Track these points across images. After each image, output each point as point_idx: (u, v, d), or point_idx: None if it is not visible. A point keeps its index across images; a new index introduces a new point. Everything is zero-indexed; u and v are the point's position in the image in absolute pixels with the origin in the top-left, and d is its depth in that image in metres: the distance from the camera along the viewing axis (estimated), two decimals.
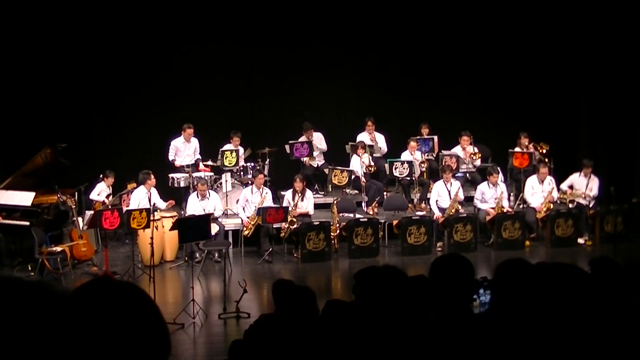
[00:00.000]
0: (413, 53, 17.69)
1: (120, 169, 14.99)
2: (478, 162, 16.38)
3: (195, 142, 15.76)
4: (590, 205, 15.25)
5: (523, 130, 16.47)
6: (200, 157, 15.77)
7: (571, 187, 15.52)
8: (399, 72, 17.74)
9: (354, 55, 17.53)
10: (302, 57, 17.37)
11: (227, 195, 15.26)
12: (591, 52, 17.17)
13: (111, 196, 14.56)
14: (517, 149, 16.21)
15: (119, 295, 2.00)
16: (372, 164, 15.74)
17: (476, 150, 16.30)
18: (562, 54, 17.59)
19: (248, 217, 14.28)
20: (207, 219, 12.04)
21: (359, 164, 15.68)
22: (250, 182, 15.24)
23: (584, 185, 15.30)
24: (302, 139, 16.26)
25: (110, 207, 13.66)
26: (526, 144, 16.28)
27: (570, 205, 15.18)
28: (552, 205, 15.04)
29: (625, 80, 16.62)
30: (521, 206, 15.60)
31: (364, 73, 17.73)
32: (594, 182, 15.31)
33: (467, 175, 16.25)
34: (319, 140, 16.48)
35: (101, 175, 14.67)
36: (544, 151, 16.18)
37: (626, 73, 16.55)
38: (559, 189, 15.41)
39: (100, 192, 14.59)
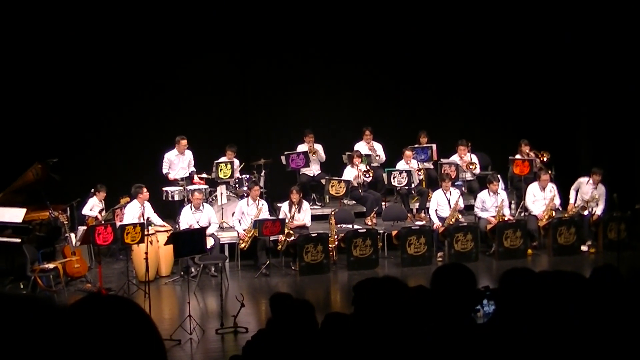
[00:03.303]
0: (410, 60, 17.71)
1: (113, 183, 14.97)
2: (477, 171, 16.38)
3: (189, 154, 15.77)
4: (593, 212, 15.23)
5: (523, 137, 16.47)
6: (194, 169, 15.77)
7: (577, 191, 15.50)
8: (396, 80, 17.76)
9: (349, 65, 17.54)
10: (297, 67, 17.38)
11: (222, 208, 15.24)
12: (592, 57, 17.19)
13: (104, 211, 14.54)
14: (517, 156, 16.21)
15: (114, 310, 2.00)
16: (369, 168, 15.72)
17: (474, 160, 16.31)
18: (562, 59, 17.62)
19: (244, 230, 14.26)
20: (203, 232, 12.03)
21: (352, 174, 15.66)
22: (245, 194, 15.22)
23: (589, 193, 15.26)
24: (302, 146, 16.27)
25: (103, 222, 13.65)
26: (527, 151, 16.28)
27: (586, 213, 15.14)
28: (554, 213, 15.05)
29: (627, 86, 16.63)
30: (522, 214, 15.60)
31: (361, 82, 17.73)
32: (602, 192, 15.27)
33: (466, 183, 16.24)
34: (318, 149, 16.46)
35: (93, 190, 14.65)
36: (545, 159, 16.18)
37: (628, 78, 16.56)
38: (569, 200, 15.38)
39: (93, 207, 14.57)
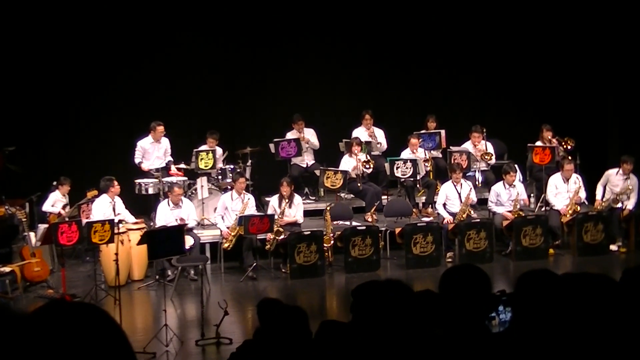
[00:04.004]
0: (416, 35, 17.72)
1: (78, 176, 14.96)
2: (492, 161, 16.40)
3: (165, 142, 15.77)
4: (624, 206, 15.25)
5: (544, 122, 16.47)
6: (171, 159, 15.78)
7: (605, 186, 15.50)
8: (399, 56, 17.81)
9: (345, 44, 17.59)
10: (286, 48, 17.44)
11: (203, 203, 15.25)
12: (622, 33, 17.18)
13: (68, 207, 14.52)
14: (537, 143, 16.21)
15: (79, 319, 1.99)
16: (369, 158, 15.73)
17: (490, 149, 16.33)
18: (588, 35, 17.60)
19: (228, 228, 14.26)
20: (181, 230, 12.01)
21: (350, 164, 15.68)
22: (229, 187, 15.23)
23: (620, 184, 15.27)
24: (291, 133, 16.32)
25: (67, 219, 13.60)
26: (549, 137, 16.27)
27: (618, 207, 15.13)
28: (579, 208, 15.06)
29: None
30: (543, 209, 15.63)
31: (360, 60, 17.79)
32: (634, 184, 15.27)
33: (480, 174, 16.25)
34: (310, 136, 16.49)
35: (55, 183, 14.63)
36: (569, 147, 16.17)
37: None
38: (596, 196, 15.39)
39: (55, 202, 14.55)
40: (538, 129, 16.46)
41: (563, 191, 15.23)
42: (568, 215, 15.03)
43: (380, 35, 17.70)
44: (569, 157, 15.76)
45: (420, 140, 16.20)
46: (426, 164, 16.03)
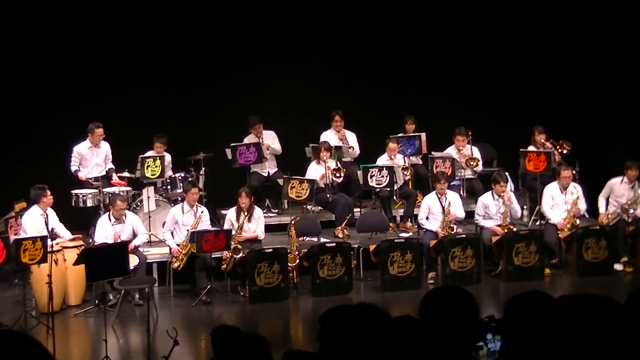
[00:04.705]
0: (389, 27, 17.72)
1: (5, 185, 14.86)
2: (479, 168, 16.44)
3: (106, 147, 15.71)
4: (630, 219, 15.31)
5: (537, 123, 16.52)
6: (113, 166, 15.72)
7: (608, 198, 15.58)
8: (371, 52, 17.80)
9: (310, 36, 17.52)
10: (242, 42, 17.35)
11: (149, 217, 15.18)
12: (622, 25, 17.27)
13: None
14: (530, 148, 16.27)
15: (7, 350, 1.97)
16: (339, 166, 15.75)
17: (476, 154, 16.36)
18: (584, 27, 17.63)
19: (178, 245, 14.21)
20: (124, 248, 11.95)
21: (318, 172, 15.68)
22: (180, 198, 15.20)
23: (626, 194, 15.34)
24: (249, 138, 16.28)
25: None
26: (542, 141, 16.31)
27: (631, 211, 15.17)
28: (578, 221, 15.09)
29: None
30: (538, 222, 15.69)
31: (326, 55, 17.74)
32: None
33: (465, 183, 16.27)
34: (270, 140, 16.49)
35: None
36: (566, 151, 16.20)
37: None
38: (600, 209, 15.47)
39: None
40: (530, 132, 16.49)
41: (560, 202, 15.24)
42: (566, 230, 15.05)
43: (350, 26, 17.69)
44: (567, 164, 15.73)
45: (399, 145, 16.20)
46: (405, 172, 16.00)
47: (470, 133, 16.35)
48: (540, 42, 17.83)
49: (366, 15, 17.72)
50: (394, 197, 16.17)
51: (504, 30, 17.76)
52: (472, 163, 16.27)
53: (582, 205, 15.32)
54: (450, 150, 16.40)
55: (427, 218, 14.96)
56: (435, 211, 14.91)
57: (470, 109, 17.73)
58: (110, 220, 14.08)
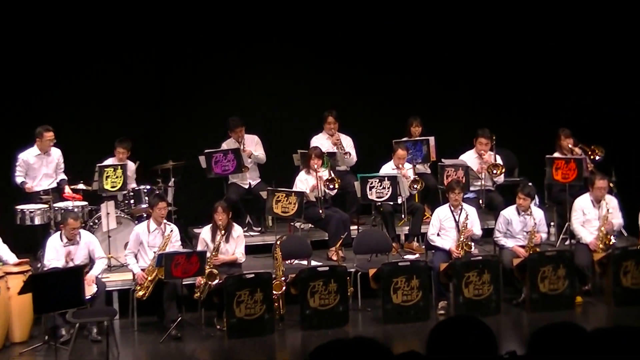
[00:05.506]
0: (388, 17, 17.90)
1: None
2: (501, 178, 16.39)
3: (57, 154, 15.75)
4: None
5: (562, 126, 16.58)
6: (65, 177, 15.78)
7: None
8: (370, 47, 18.07)
9: (302, 29, 17.77)
10: (220, 36, 17.59)
11: (109, 237, 15.19)
12: None
13: None
14: (556, 154, 16.25)
15: None
16: (333, 176, 15.72)
17: (499, 160, 16.31)
18: (616, 20, 17.75)
19: (143, 270, 14.16)
20: (79, 273, 11.85)
21: (308, 183, 15.68)
22: (145, 214, 15.17)
23: None
24: (227, 143, 16.36)
25: None
26: (570, 146, 16.34)
27: None
28: (612, 239, 15.04)
29: None
30: (567, 242, 15.66)
31: (319, 50, 17.99)
32: None
33: (483, 195, 16.20)
34: (253, 145, 16.59)
35: None
36: (598, 157, 16.20)
37: None
38: None
39: None
40: (555, 136, 16.52)
41: (593, 218, 15.19)
42: (600, 251, 14.99)
43: (344, 20, 17.93)
44: (601, 173, 15.67)
45: (408, 152, 16.09)
46: (415, 186, 15.86)
47: (493, 137, 16.24)
48: (570, 34, 17.96)
49: (364, 9, 17.88)
50: (398, 213, 16.11)
51: (525, 20, 17.89)
52: (495, 171, 16.15)
53: (617, 221, 15.29)
54: (470, 155, 16.35)
55: (438, 234, 14.87)
56: (447, 226, 14.85)
57: (484, 111, 17.73)
58: (62, 240, 14.00)
